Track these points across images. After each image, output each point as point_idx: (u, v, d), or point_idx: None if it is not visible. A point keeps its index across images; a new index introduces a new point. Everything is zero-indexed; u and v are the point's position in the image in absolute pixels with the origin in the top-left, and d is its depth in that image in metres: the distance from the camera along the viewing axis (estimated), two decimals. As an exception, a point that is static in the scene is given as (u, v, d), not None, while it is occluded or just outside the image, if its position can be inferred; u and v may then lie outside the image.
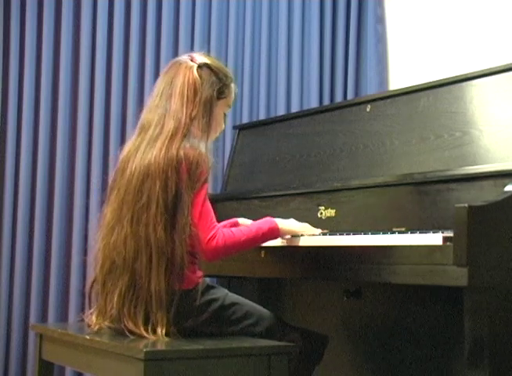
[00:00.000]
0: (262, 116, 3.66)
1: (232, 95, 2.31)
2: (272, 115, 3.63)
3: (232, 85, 2.30)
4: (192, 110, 2.15)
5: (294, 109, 3.65)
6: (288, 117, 3.11)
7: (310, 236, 2.33)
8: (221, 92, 2.24)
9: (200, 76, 2.20)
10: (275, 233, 2.23)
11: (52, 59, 3.59)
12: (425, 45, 3.46)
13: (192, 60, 2.23)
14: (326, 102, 3.70)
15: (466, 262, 1.75)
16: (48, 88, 3.57)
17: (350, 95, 3.68)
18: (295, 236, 2.30)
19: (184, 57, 2.26)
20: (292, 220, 2.33)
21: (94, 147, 3.56)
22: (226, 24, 3.72)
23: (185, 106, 2.15)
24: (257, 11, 3.74)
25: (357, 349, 2.64)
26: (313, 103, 3.66)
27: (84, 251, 3.44)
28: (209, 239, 2.07)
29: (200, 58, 2.24)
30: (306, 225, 2.35)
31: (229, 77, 2.28)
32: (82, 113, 3.57)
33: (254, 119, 3.64)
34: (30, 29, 3.57)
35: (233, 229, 2.18)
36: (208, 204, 2.11)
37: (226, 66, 3.62)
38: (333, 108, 2.90)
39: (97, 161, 3.54)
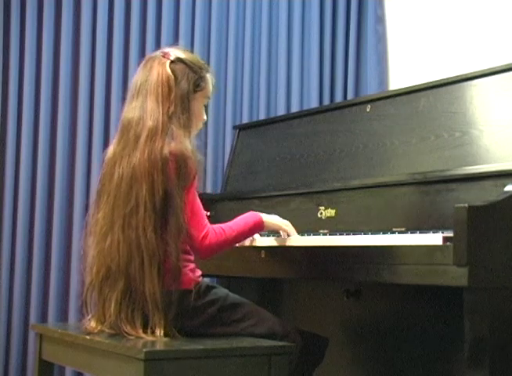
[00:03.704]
0: (262, 116, 3.66)
1: (210, 86, 2.27)
2: (272, 115, 3.63)
3: (208, 76, 2.26)
4: (169, 108, 2.12)
5: (294, 109, 3.65)
6: (288, 117, 3.10)
7: (309, 237, 2.33)
8: (197, 85, 2.21)
9: (174, 71, 2.16)
10: (260, 226, 2.27)
11: (52, 59, 3.60)
12: (425, 44, 3.46)
13: (164, 56, 2.19)
14: (326, 102, 3.70)
15: (466, 262, 1.75)
16: (48, 88, 3.58)
17: (350, 95, 3.68)
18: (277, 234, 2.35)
19: (157, 53, 2.23)
20: (275, 216, 2.35)
21: (94, 147, 3.56)
22: (226, 24, 3.72)
23: (160, 104, 2.12)
24: (257, 11, 3.74)
25: (357, 349, 2.64)
26: (313, 103, 3.66)
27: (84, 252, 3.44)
28: (202, 237, 2.09)
29: (173, 52, 2.20)
30: (287, 222, 2.35)
31: (204, 68, 2.25)
32: (82, 113, 3.57)
33: (254, 119, 3.64)
34: (30, 29, 3.58)
35: (222, 225, 2.18)
36: (198, 202, 2.11)
37: (226, 66, 3.67)
38: (333, 108, 2.90)
39: (97, 161, 3.54)
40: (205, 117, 2.31)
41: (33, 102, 3.58)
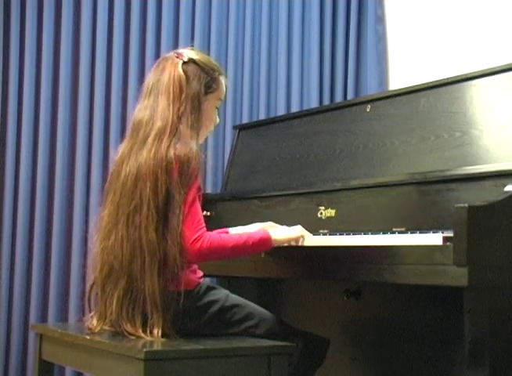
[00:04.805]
0: (262, 116, 3.66)
1: (223, 88, 2.28)
2: (272, 115, 3.63)
3: (221, 78, 2.27)
4: (179, 108, 2.13)
5: (294, 109, 3.65)
6: (288, 117, 3.10)
7: (310, 237, 2.33)
8: (208, 87, 2.21)
9: (185, 72, 2.17)
10: (267, 243, 2.18)
11: (52, 59, 3.60)
12: (425, 44, 3.46)
13: (177, 57, 2.20)
14: (326, 102, 3.70)
15: (466, 262, 1.75)
16: (48, 88, 3.58)
17: (350, 95, 3.68)
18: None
19: (171, 53, 2.24)
20: (284, 227, 2.29)
21: (94, 147, 3.57)
22: (226, 24, 3.72)
23: (171, 104, 2.13)
24: (257, 11, 3.74)
25: (357, 349, 2.64)
26: (313, 103, 3.66)
27: (84, 252, 3.44)
28: (194, 240, 2.04)
29: (187, 53, 2.22)
30: (298, 228, 2.29)
31: (217, 70, 2.25)
32: (82, 113, 3.57)
33: (254, 119, 3.64)
34: (30, 29, 3.58)
35: (222, 234, 2.13)
36: (197, 205, 2.08)
37: (226, 66, 3.67)
38: (333, 108, 2.90)
39: (97, 161, 3.54)
40: (218, 120, 2.31)
41: (33, 102, 3.58)
